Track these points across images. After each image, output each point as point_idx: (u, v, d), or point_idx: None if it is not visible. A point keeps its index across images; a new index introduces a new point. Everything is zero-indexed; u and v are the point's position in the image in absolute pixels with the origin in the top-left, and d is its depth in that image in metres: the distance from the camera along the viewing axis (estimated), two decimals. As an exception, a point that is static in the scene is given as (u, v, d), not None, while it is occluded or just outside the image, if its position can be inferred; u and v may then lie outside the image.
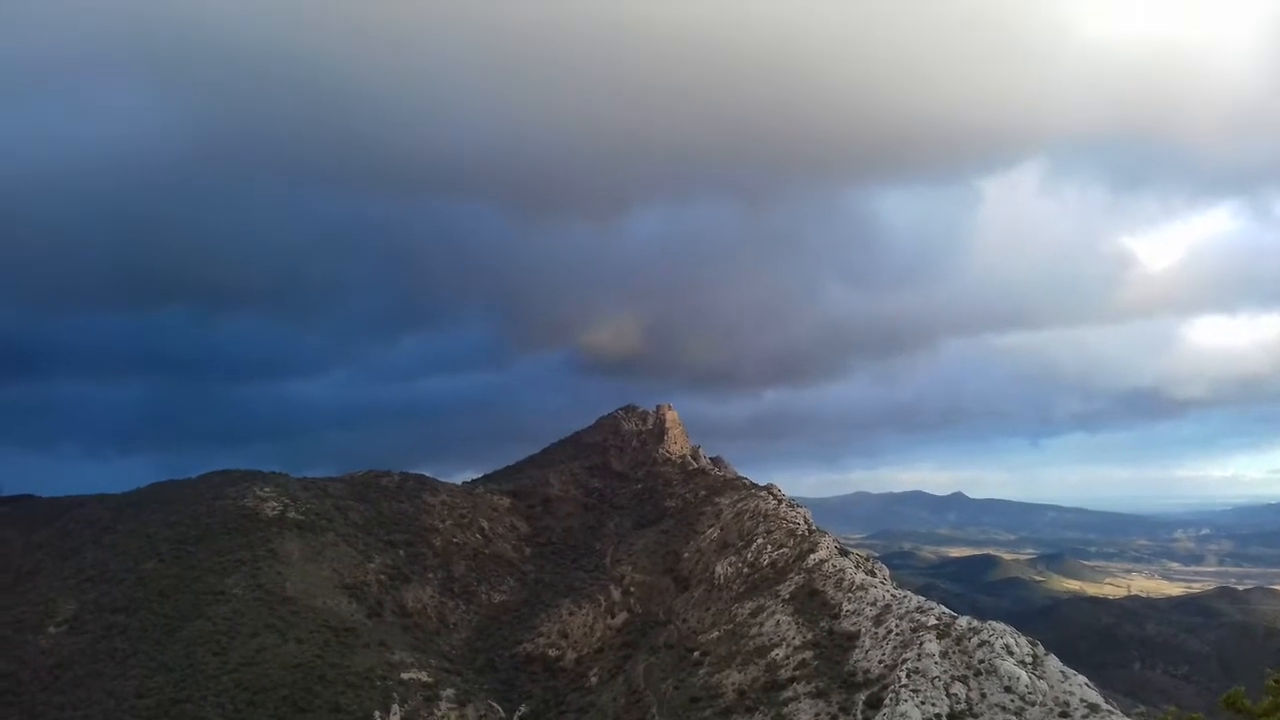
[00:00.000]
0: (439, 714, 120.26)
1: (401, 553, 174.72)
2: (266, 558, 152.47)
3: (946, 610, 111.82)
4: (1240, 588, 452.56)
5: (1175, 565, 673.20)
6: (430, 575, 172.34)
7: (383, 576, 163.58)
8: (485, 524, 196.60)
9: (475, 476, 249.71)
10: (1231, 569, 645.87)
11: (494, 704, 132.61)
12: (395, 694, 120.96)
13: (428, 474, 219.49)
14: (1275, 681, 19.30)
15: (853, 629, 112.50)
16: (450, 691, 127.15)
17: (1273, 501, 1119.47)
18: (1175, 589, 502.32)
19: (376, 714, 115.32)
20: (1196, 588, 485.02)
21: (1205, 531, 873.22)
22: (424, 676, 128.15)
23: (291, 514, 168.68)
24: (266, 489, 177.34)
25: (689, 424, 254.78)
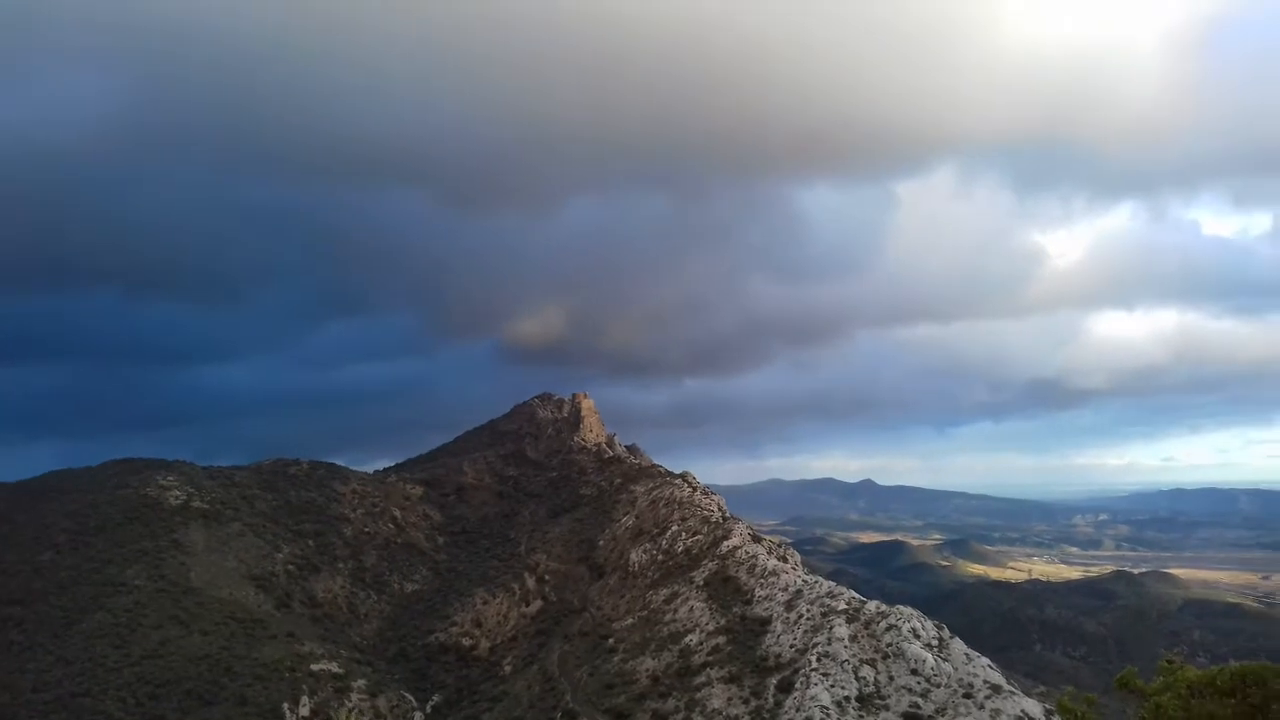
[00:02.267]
0: (350, 705, 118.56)
1: (311, 543, 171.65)
2: (170, 548, 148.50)
3: (856, 595, 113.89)
4: (1135, 571, 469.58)
5: (1074, 550, 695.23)
6: (340, 565, 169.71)
7: (291, 567, 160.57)
8: (397, 513, 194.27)
9: (389, 465, 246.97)
10: (1128, 553, 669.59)
11: (406, 694, 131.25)
12: (305, 685, 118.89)
13: (340, 462, 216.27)
14: (1168, 662, 20.00)
15: (765, 614, 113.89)
16: (361, 682, 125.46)
17: (1167, 488, 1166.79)
18: (1074, 573, 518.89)
19: (285, 706, 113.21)
20: (1094, 572, 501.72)
21: (1103, 517, 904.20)
22: (334, 668, 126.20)
23: (196, 503, 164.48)
24: (170, 478, 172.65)
25: (612, 411, 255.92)
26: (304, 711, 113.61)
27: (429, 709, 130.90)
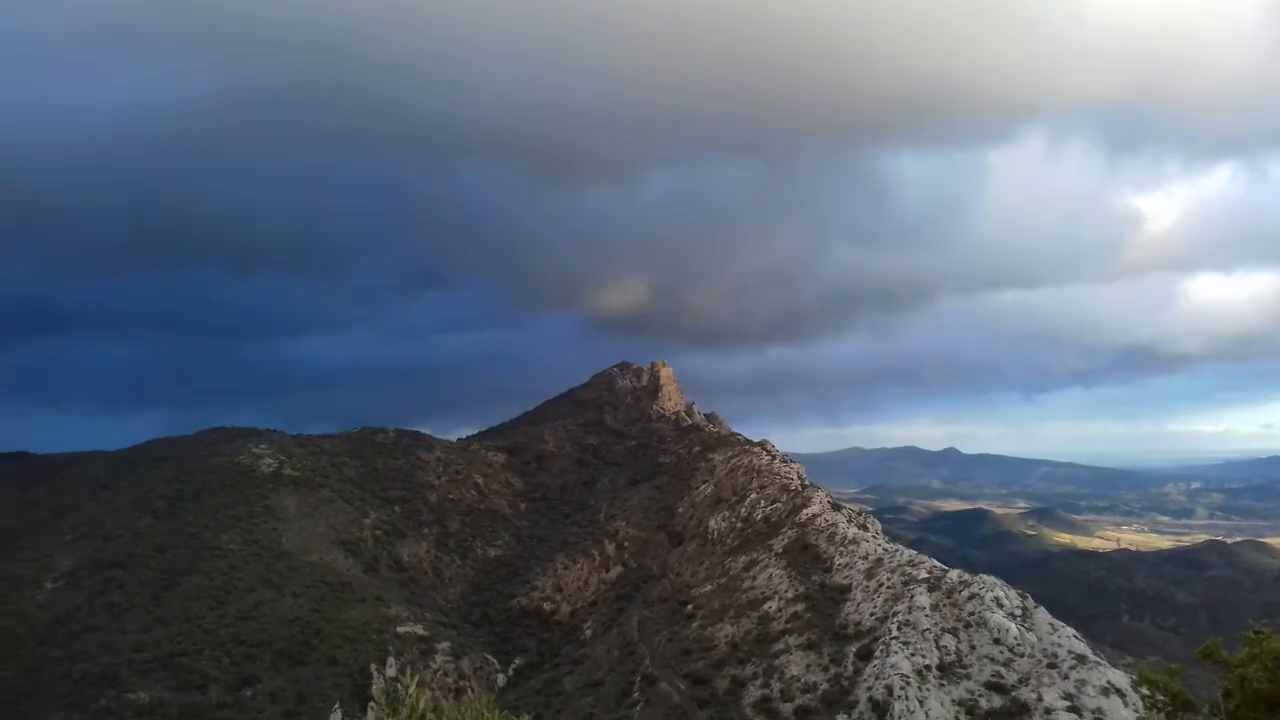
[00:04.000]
0: (435, 666, 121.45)
1: (397, 509, 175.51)
2: (262, 514, 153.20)
3: (938, 564, 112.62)
4: (1229, 541, 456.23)
5: (1165, 519, 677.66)
6: (425, 531, 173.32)
7: (378, 532, 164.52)
8: (480, 480, 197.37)
9: (471, 433, 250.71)
10: (1221, 522, 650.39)
11: (489, 656, 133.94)
12: (391, 647, 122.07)
13: (425, 431, 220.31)
14: (1254, 633, 19.52)
15: (844, 582, 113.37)
16: (446, 644, 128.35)
17: (1263, 456, 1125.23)
18: (1165, 542, 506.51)
19: (373, 667, 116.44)
20: (1186, 541, 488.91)
21: (1196, 485, 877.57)
22: (420, 630, 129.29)
23: (287, 470, 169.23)
24: (262, 446, 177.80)
25: (692, 380, 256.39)
26: (390, 672, 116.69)
27: (511, 671, 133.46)
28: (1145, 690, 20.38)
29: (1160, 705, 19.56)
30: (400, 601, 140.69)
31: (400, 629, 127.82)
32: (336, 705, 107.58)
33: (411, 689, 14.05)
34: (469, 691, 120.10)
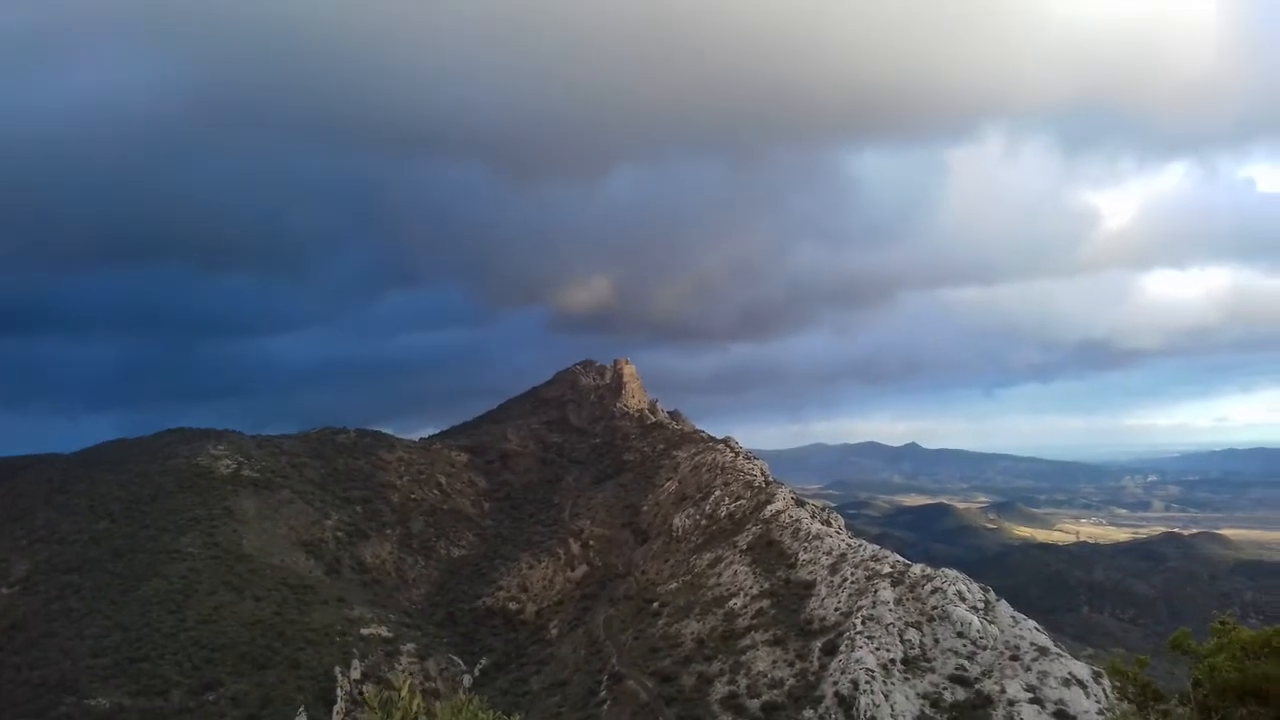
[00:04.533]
0: (399, 668, 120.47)
1: (359, 509, 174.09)
2: (222, 516, 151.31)
3: (900, 558, 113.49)
4: (1186, 533, 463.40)
5: (1123, 512, 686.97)
6: (388, 531, 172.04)
7: (340, 533, 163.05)
8: (443, 480, 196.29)
9: (434, 433, 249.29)
10: (1178, 514, 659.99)
11: (455, 657, 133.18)
12: (355, 649, 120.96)
13: (386, 430, 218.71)
14: (1221, 623, 19.68)
15: (809, 578, 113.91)
16: (411, 646, 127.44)
17: (1218, 449, 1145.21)
18: (1123, 535, 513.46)
19: (337, 669, 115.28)
20: (1143, 533, 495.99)
21: (1153, 478, 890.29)
22: (384, 631, 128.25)
23: (246, 472, 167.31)
24: (220, 447, 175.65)
25: (657, 378, 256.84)
26: (355, 675, 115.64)
27: (477, 672, 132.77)
28: (1115, 681, 20.47)
29: (1130, 696, 19.65)
30: (364, 603, 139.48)
31: (364, 631, 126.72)
32: (301, 709, 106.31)
33: (404, 691, 13.77)
34: (438, 693, 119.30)
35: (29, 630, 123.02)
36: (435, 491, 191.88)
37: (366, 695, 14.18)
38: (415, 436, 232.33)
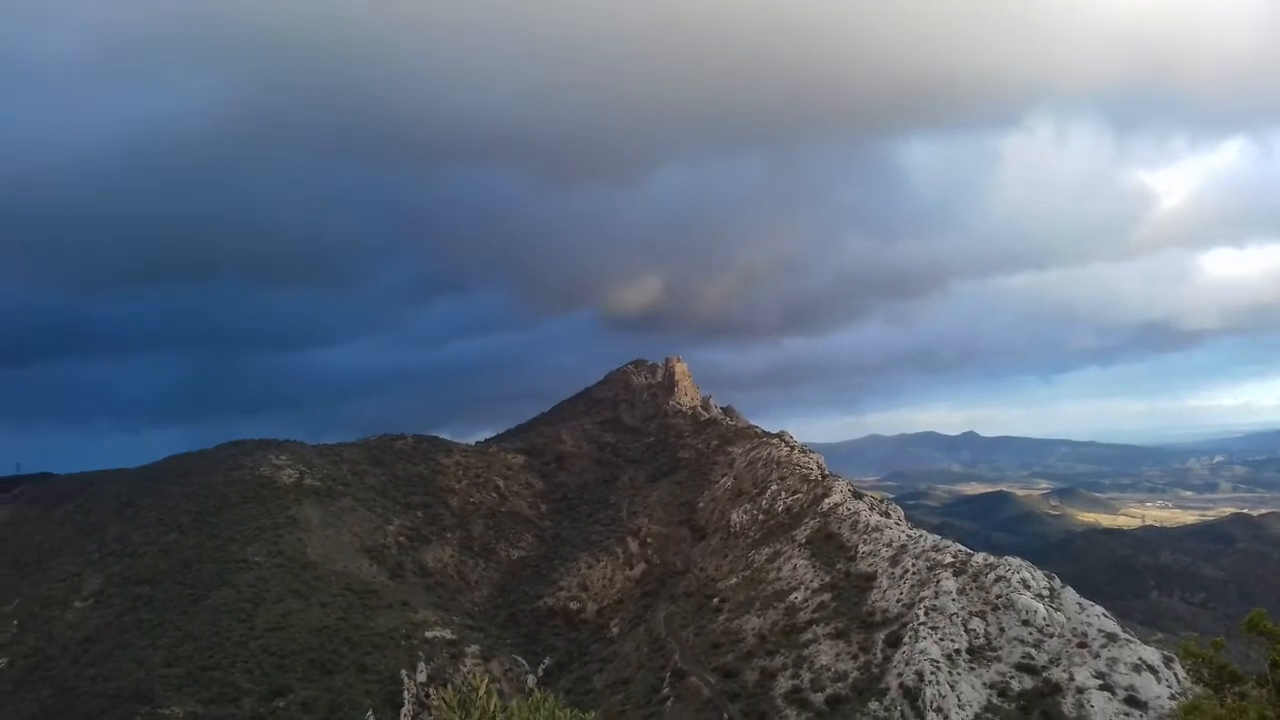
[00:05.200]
0: (464, 670, 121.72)
1: (419, 514, 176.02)
2: (286, 524, 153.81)
3: (962, 548, 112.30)
4: (1255, 513, 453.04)
5: (1189, 494, 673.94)
6: (449, 535, 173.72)
7: (402, 538, 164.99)
8: (500, 482, 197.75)
9: (489, 436, 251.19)
10: (1245, 494, 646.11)
11: (518, 658, 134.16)
12: (420, 652, 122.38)
13: (443, 436, 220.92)
14: (1296, 602, 19.38)
15: (869, 570, 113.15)
16: (474, 648, 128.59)
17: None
18: (1190, 517, 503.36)
19: (403, 673, 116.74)
20: (1211, 515, 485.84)
21: (1219, 459, 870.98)
22: (448, 634, 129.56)
23: (308, 480, 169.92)
24: (282, 457, 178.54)
25: (709, 374, 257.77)
26: (421, 678, 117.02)
27: (540, 672, 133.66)
28: (1189, 664, 20.22)
29: (1206, 679, 19.40)
30: (427, 606, 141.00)
31: (429, 634, 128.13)
32: (369, 712, 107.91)
33: (481, 690, 14.08)
34: (503, 693, 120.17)
35: (103, 642, 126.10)
36: (493, 494, 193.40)
37: (445, 695, 14.49)
38: (471, 440, 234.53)
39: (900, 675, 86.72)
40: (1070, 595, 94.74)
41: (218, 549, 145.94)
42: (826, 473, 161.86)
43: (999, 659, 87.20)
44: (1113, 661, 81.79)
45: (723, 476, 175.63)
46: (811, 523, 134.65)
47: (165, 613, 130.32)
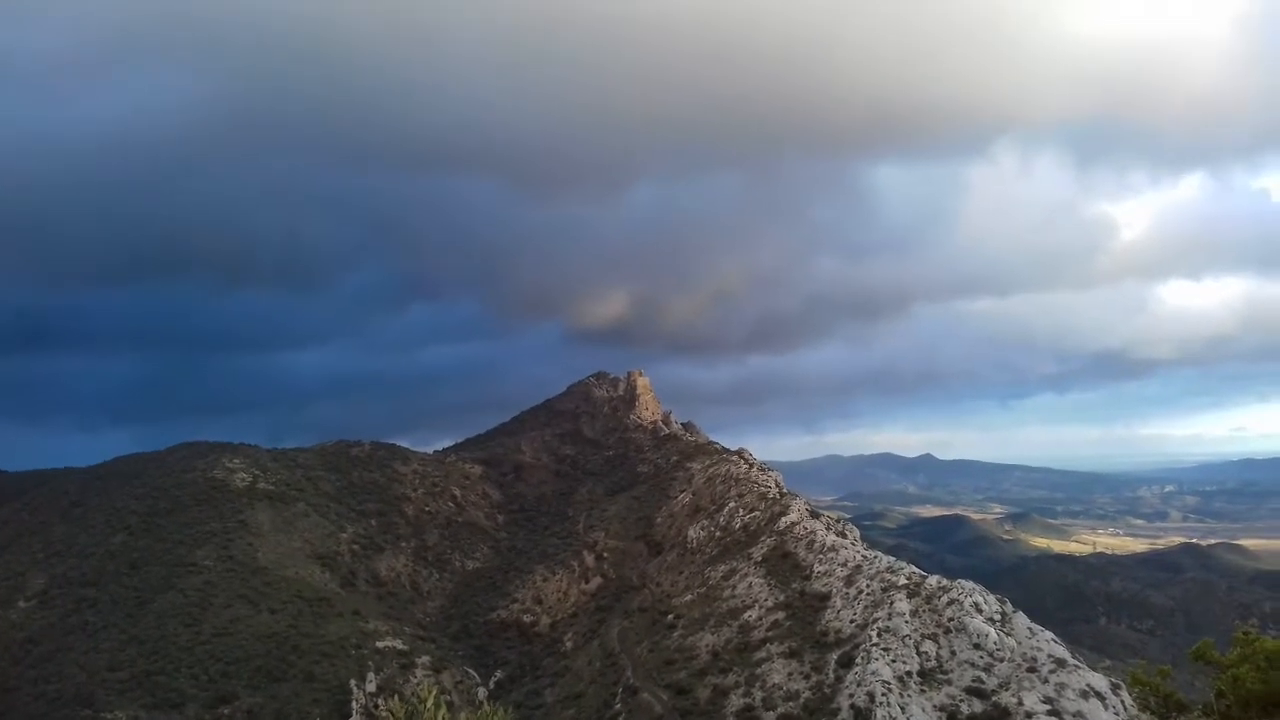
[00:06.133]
0: (414, 681, 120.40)
1: (373, 522, 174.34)
2: (237, 529, 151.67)
3: (916, 570, 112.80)
4: (1204, 543, 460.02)
5: (1140, 522, 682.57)
6: (403, 544, 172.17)
7: (355, 546, 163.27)
8: (457, 492, 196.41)
9: (448, 445, 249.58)
10: (1195, 524, 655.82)
11: (470, 670, 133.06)
12: (370, 662, 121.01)
13: (401, 443, 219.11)
14: (1244, 634, 19.52)
15: (824, 590, 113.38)
16: (425, 659, 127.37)
17: (1235, 459, 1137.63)
18: (1140, 545, 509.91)
19: (352, 682, 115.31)
20: (1161, 544, 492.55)
21: (1169, 489, 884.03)
22: (399, 644, 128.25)
23: (262, 485, 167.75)
24: (235, 460, 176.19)
25: (674, 389, 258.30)
26: (370, 688, 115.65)
27: (492, 685, 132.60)
28: (1137, 692, 20.32)
29: (1153, 707, 19.50)
30: (378, 616, 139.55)
31: (379, 644, 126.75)
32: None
33: (429, 701, 13.79)
34: (454, 706, 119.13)
35: (45, 644, 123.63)
36: (450, 504, 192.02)
37: (392, 706, 14.19)
38: (430, 449, 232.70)
39: (852, 696, 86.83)
40: (1021, 620, 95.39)
41: (166, 552, 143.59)
42: (784, 491, 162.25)
43: (950, 682, 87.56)
44: (1061, 687, 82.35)
45: (681, 492, 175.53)
46: (768, 541, 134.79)
47: (110, 615, 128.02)
